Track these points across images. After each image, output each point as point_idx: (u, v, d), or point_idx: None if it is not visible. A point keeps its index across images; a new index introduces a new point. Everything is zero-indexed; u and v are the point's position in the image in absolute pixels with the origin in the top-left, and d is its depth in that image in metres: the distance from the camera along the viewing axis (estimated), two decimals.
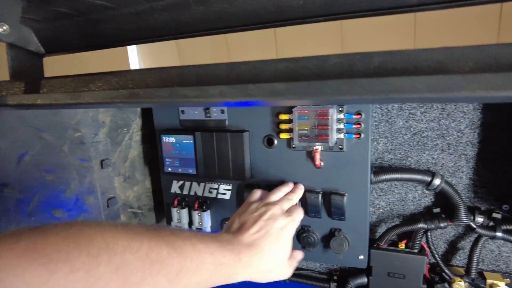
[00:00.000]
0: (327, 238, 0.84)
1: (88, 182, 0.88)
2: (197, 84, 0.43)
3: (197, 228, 0.96)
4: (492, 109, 0.78)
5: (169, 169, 0.95)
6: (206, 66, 0.45)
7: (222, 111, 0.87)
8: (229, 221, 0.66)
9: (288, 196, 0.75)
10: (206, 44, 0.95)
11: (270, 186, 0.86)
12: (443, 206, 0.86)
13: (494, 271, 0.86)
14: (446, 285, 0.84)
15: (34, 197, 0.75)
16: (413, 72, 0.35)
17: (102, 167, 0.91)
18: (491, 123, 0.79)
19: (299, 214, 0.69)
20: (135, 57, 1.11)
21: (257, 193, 0.76)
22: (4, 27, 0.63)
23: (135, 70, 0.51)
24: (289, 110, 0.80)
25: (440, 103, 0.32)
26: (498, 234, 0.79)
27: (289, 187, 0.79)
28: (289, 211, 0.68)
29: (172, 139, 0.93)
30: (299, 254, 0.71)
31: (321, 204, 0.82)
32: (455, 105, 0.80)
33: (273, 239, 0.59)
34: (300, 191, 0.80)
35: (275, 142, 0.84)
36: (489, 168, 0.81)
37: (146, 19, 0.62)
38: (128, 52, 1.07)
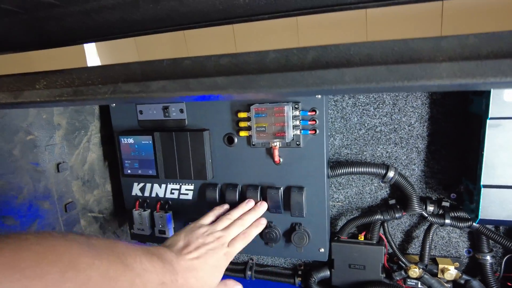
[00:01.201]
0: (289, 233, 0.86)
1: (43, 187, 0.85)
2: (141, 80, 0.43)
3: (159, 231, 0.95)
4: (438, 103, 0.83)
5: (129, 171, 0.94)
6: (151, 62, 0.45)
7: (181, 111, 0.87)
8: (175, 236, 0.69)
9: (241, 220, 0.76)
10: (165, 40, 0.94)
11: (230, 186, 0.87)
12: (398, 198, 0.90)
13: (445, 256, 0.91)
14: (403, 272, 0.88)
15: None
16: (346, 64, 0.37)
17: (58, 171, 0.88)
18: (438, 117, 0.84)
19: (241, 245, 0.72)
20: (94, 54, 1.08)
21: (209, 217, 0.78)
22: None
23: (81, 68, 0.50)
24: (247, 108, 0.81)
25: (367, 93, 0.34)
26: (447, 221, 0.83)
27: (242, 209, 0.80)
28: (231, 243, 0.71)
29: (130, 140, 0.91)
30: (232, 285, 0.73)
31: (282, 200, 0.84)
32: (405, 100, 0.85)
33: (208, 269, 0.63)
34: (259, 210, 0.81)
35: (235, 140, 0.85)
36: (438, 159, 0.86)
37: (95, 18, 0.61)
38: (85, 50, 1.04)
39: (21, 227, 0.80)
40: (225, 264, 0.68)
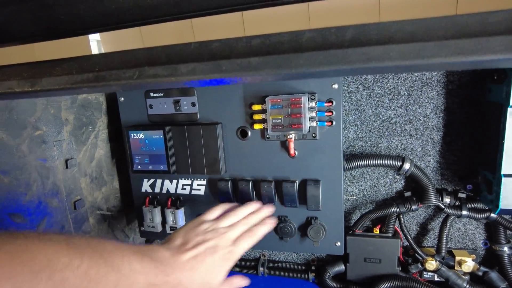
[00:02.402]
0: (304, 227, 0.84)
1: (52, 184, 0.82)
2: (168, 63, 0.41)
3: (171, 227, 0.93)
4: (454, 94, 0.82)
5: (139, 167, 0.91)
6: (175, 46, 0.43)
7: (193, 104, 0.85)
8: (175, 232, 0.64)
9: (247, 219, 0.69)
10: (171, 31, 0.92)
11: (243, 180, 0.85)
12: (413, 190, 0.89)
13: (461, 249, 0.90)
14: (419, 265, 0.87)
15: None
16: (387, 42, 0.36)
17: (67, 167, 0.86)
18: (454, 107, 0.83)
19: (248, 243, 0.65)
20: (95, 47, 1.06)
21: (215, 212, 0.71)
22: None
23: (99, 54, 0.48)
24: (262, 100, 0.79)
25: (414, 71, 0.33)
26: (464, 212, 0.83)
27: (249, 208, 0.73)
28: (236, 242, 0.63)
29: (140, 135, 0.89)
30: (239, 282, 0.66)
31: (297, 193, 0.82)
32: (420, 91, 0.84)
33: (206, 269, 0.57)
34: (263, 212, 0.73)
35: (249, 133, 0.83)
36: (453, 150, 0.85)
37: (107, 4, 0.59)
38: (89, 42, 1.02)
39: (30, 224, 0.77)
40: (228, 264, 0.61)
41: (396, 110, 0.86)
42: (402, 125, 0.86)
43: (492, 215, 0.81)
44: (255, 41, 0.40)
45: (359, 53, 0.34)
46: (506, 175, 0.71)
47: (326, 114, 0.77)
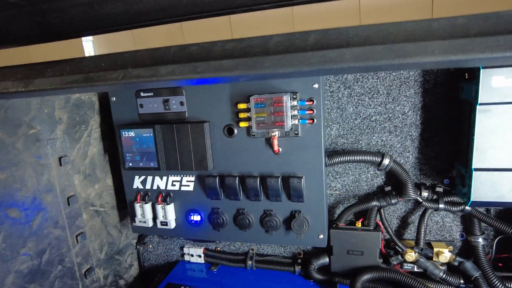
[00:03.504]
0: (288, 221, 0.88)
1: (46, 180, 0.86)
2: (150, 65, 0.44)
3: (161, 222, 0.97)
4: (430, 92, 0.86)
5: (130, 164, 0.95)
6: (158, 49, 0.47)
7: (182, 103, 0.89)
8: None
9: None
10: (162, 33, 0.96)
11: (230, 176, 0.89)
12: (393, 185, 0.93)
13: (440, 241, 0.94)
14: (400, 257, 0.91)
15: None
16: (345, 45, 0.39)
17: (60, 164, 0.89)
18: (430, 105, 0.87)
19: None
20: (90, 48, 1.10)
21: None
22: None
23: (89, 57, 0.52)
24: (247, 99, 0.83)
25: (366, 72, 0.36)
26: (441, 205, 0.87)
27: None
28: None
29: (131, 133, 0.93)
30: None
31: (281, 188, 0.86)
32: (398, 89, 0.88)
33: None
34: None
35: (235, 131, 0.87)
36: (431, 146, 0.89)
37: (98, 10, 0.63)
38: (82, 43, 1.05)
39: (26, 219, 0.81)
40: None
41: (375, 108, 0.90)
42: (382, 122, 0.90)
43: (467, 207, 0.86)
44: (228, 45, 0.44)
45: (318, 56, 0.38)
46: (477, 169, 0.75)
47: (307, 112, 0.81)
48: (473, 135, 0.74)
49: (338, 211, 0.99)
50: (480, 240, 0.87)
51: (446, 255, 0.88)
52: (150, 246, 1.19)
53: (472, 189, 0.76)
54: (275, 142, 0.83)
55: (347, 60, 0.37)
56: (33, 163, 0.83)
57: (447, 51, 0.35)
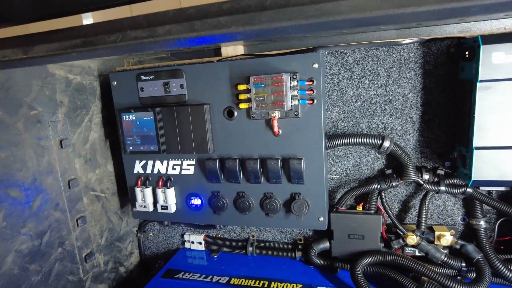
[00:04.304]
0: (288, 203, 0.88)
1: (47, 162, 0.86)
2: (148, 27, 0.45)
3: (162, 206, 0.96)
4: (430, 74, 0.86)
5: (131, 148, 0.95)
6: (156, 13, 0.47)
7: (182, 86, 0.89)
8: None
9: None
10: (161, 9, 0.97)
11: (230, 158, 0.89)
12: (394, 168, 0.92)
13: (441, 225, 0.93)
14: (401, 240, 0.90)
15: None
16: None
17: (61, 147, 0.90)
18: (430, 87, 0.86)
19: None
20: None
21: None
22: None
23: (88, 24, 0.52)
24: (246, 80, 0.83)
25: (362, 25, 0.36)
26: (442, 188, 0.86)
27: None
28: None
29: (132, 116, 0.93)
30: None
31: (281, 170, 0.86)
32: (398, 71, 0.88)
33: None
34: None
35: (235, 113, 0.87)
36: (432, 128, 0.89)
37: None
38: (82, 22, 1.06)
39: (26, 199, 0.81)
40: None
41: (376, 90, 0.90)
42: (382, 105, 0.90)
43: (469, 189, 0.85)
44: (226, 5, 0.44)
45: (314, 8, 0.38)
46: (478, 148, 0.75)
47: (307, 92, 0.81)
48: (473, 113, 0.74)
49: (338, 196, 0.98)
50: (482, 223, 0.87)
51: (447, 238, 0.87)
52: (151, 234, 1.19)
53: (473, 168, 0.75)
54: (275, 123, 0.83)
55: (343, 12, 0.37)
56: (34, 144, 0.83)
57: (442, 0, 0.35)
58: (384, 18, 0.37)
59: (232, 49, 1.01)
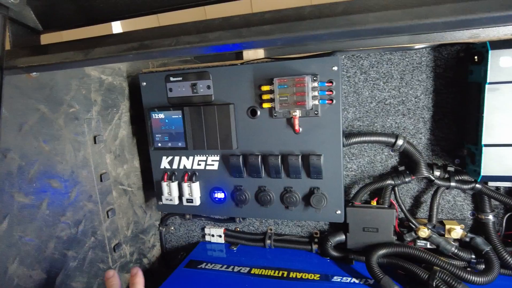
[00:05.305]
0: (307, 197, 0.94)
1: (82, 156, 0.93)
2: (198, 33, 0.51)
3: (187, 200, 1.03)
4: (441, 76, 0.92)
5: (159, 144, 1.02)
6: (203, 21, 0.54)
7: (208, 87, 0.96)
8: None
9: None
10: (186, 18, 1.05)
11: (253, 154, 0.95)
12: (407, 165, 0.98)
13: (451, 219, 0.98)
14: (413, 233, 0.95)
15: (34, 165, 0.79)
16: (368, 11, 0.46)
17: (95, 143, 0.96)
18: (440, 89, 0.92)
19: None
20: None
21: None
22: None
23: (140, 30, 0.58)
24: (269, 82, 0.90)
25: (387, 34, 0.41)
26: (452, 184, 0.92)
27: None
28: None
29: (161, 115, 0.99)
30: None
31: (301, 166, 0.92)
32: (411, 74, 0.94)
33: None
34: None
35: (258, 112, 0.94)
36: (442, 128, 0.94)
37: None
38: (112, 30, 1.14)
39: (65, 190, 0.87)
40: None
41: (390, 92, 0.96)
42: (396, 105, 0.96)
43: (477, 185, 0.90)
44: (267, 15, 0.51)
45: (345, 19, 0.44)
46: (486, 145, 0.80)
47: (327, 93, 0.87)
48: (482, 113, 0.80)
49: (353, 191, 1.04)
50: (491, 217, 0.92)
51: (457, 231, 0.92)
52: (172, 228, 1.25)
53: (482, 164, 0.81)
54: (296, 121, 0.89)
55: (370, 22, 0.43)
56: (72, 139, 0.90)
57: (457, 11, 0.41)
58: (405, 28, 0.43)
59: (253, 53, 1.07)
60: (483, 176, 0.82)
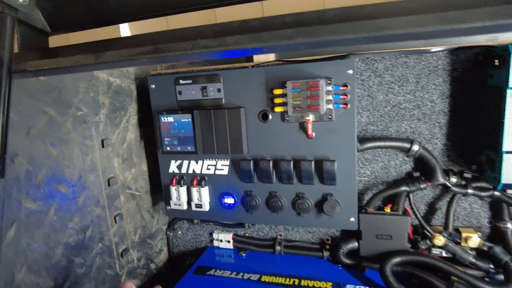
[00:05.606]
0: (320, 203, 0.92)
1: (90, 161, 0.91)
2: (216, 37, 0.49)
3: (196, 205, 1.01)
4: (458, 80, 0.89)
5: (168, 148, 1.00)
6: (219, 24, 0.52)
7: (219, 90, 0.94)
8: None
9: None
10: (195, 21, 1.03)
11: (264, 159, 0.93)
12: (422, 171, 0.96)
13: (467, 227, 0.96)
14: (428, 241, 0.93)
15: (42, 170, 0.77)
16: (397, 15, 0.43)
17: (103, 147, 0.95)
18: (457, 93, 0.90)
19: None
20: (128, 34, 1.17)
21: None
22: None
23: (154, 32, 0.56)
24: (282, 85, 0.88)
25: (417, 39, 0.39)
26: (470, 191, 0.89)
27: None
28: None
29: (170, 118, 0.97)
30: None
31: (314, 171, 0.90)
32: (427, 78, 0.91)
33: None
34: None
35: (270, 116, 0.91)
36: (458, 133, 0.92)
37: None
38: (120, 32, 1.12)
39: (73, 195, 0.86)
40: None
41: (405, 96, 0.93)
42: (411, 110, 0.94)
43: (496, 192, 0.88)
44: (288, 18, 0.49)
45: (374, 23, 0.42)
46: (508, 152, 0.78)
47: (341, 97, 0.85)
48: (503, 118, 0.77)
49: (366, 198, 1.02)
50: (509, 225, 0.89)
51: (475, 240, 0.90)
52: (180, 232, 1.23)
53: (502, 172, 0.78)
54: (310, 126, 0.86)
55: (400, 26, 0.41)
56: (80, 143, 0.88)
57: (496, 16, 0.38)
58: (439, 33, 0.40)
59: (264, 55, 1.05)
60: (504, 184, 0.79)
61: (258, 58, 1.05)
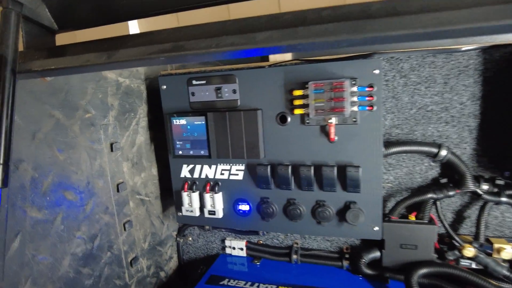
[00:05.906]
0: (342, 212, 0.86)
1: (98, 165, 0.86)
2: (244, 33, 0.44)
3: (209, 211, 0.95)
4: (490, 81, 0.83)
5: (180, 152, 0.94)
6: (246, 19, 0.46)
7: (234, 91, 0.88)
8: None
9: None
10: (206, 17, 0.98)
11: (282, 164, 0.88)
12: (449, 177, 0.90)
13: (499, 237, 0.90)
14: (456, 252, 0.87)
15: (48, 176, 0.72)
16: (455, 8, 0.38)
17: (112, 151, 0.90)
18: (490, 95, 0.84)
19: None
20: (137, 31, 1.12)
21: None
22: None
23: (171, 29, 0.51)
24: (302, 86, 0.82)
25: (481, 35, 0.34)
26: (503, 199, 0.83)
27: None
28: None
29: (182, 121, 0.92)
30: None
31: (336, 178, 0.84)
32: (456, 78, 0.85)
33: None
34: None
35: (289, 119, 0.86)
36: (490, 137, 0.86)
37: None
38: (129, 29, 1.06)
39: (80, 203, 0.81)
40: None
41: (432, 98, 0.88)
42: (438, 112, 0.88)
43: None
44: (325, 12, 0.43)
45: (431, 17, 0.36)
46: None
47: (367, 99, 0.79)
48: None
49: (390, 205, 0.96)
50: None
51: (508, 251, 0.84)
52: (190, 239, 1.18)
53: None
54: (332, 129, 0.81)
55: (463, 21, 0.35)
56: (87, 147, 0.83)
57: None
58: (503, 27, 0.35)
59: (280, 54, 1.00)
60: None
61: (274, 58, 1.00)
